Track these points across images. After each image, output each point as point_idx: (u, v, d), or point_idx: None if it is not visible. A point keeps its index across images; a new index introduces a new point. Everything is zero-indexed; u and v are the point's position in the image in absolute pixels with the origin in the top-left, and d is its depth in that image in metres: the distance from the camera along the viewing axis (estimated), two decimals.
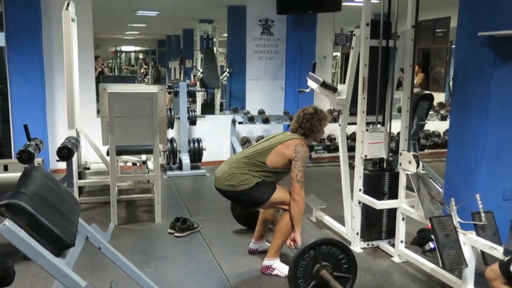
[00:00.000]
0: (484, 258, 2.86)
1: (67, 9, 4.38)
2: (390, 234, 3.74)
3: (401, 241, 3.49)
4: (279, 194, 3.22)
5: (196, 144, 6.29)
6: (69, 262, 1.89)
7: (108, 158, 4.53)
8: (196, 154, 6.29)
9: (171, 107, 6.53)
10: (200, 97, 8.68)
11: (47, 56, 5.77)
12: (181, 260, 3.55)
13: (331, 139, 6.96)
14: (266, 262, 3.30)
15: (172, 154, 6.17)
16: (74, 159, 4.25)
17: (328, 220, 4.22)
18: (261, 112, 6.81)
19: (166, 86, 6.26)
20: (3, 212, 1.70)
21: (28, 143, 3.69)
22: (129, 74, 14.77)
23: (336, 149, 6.25)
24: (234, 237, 4.00)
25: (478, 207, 2.94)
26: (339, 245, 2.90)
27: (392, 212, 3.59)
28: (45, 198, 1.90)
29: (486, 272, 2.43)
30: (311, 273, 2.83)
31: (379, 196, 3.65)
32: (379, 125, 3.68)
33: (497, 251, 2.61)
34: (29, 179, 1.96)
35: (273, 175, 3.24)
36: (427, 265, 3.24)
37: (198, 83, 8.55)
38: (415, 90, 6.83)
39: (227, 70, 8.98)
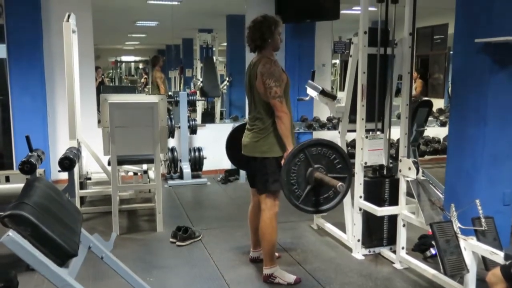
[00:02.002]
0: (485, 264, 2.87)
1: (67, 21, 4.42)
2: (391, 241, 3.74)
3: (402, 248, 3.49)
4: (274, 203, 3.17)
5: (196, 153, 6.31)
6: (72, 272, 1.90)
7: (109, 168, 4.55)
8: (197, 163, 6.31)
9: (172, 116, 6.55)
10: (200, 106, 8.71)
11: (48, 67, 5.81)
12: (183, 269, 3.55)
13: None
14: (266, 271, 3.29)
15: (173, 163, 6.19)
16: (76, 169, 4.27)
17: (329, 227, 4.23)
18: None
19: (166, 96, 6.29)
20: (7, 222, 1.72)
21: (30, 154, 3.71)
22: (129, 84, 14.80)
23: None
24: (235, 246, 4.00)
25: (478, 213, 2.95)
26: (329, 144, 2.79)
27: (393, 218, 3.59)
28: (48, 208, 1.92)
29: (487, 277, 2.42)
30: (305, 177, 2.73)
31: (380, 203, 3.66)
32: (378, 132, 3.71)
33: (498, 256, 2.62)
34: (32, 189, 1.98)
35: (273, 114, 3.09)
36: (429, 271, 3.24)
37: (198, 92, 8.58)
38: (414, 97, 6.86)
39: (227, 79, 9.02)
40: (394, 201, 3.59)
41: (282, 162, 3.03)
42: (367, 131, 3.66)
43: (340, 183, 2.71)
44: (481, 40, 3.44)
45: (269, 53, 3.13)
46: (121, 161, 4.49)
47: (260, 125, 3.13)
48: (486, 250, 2.74)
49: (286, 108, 3.03)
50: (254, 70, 3.12)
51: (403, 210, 3.45)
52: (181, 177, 6.26)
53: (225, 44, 9.67)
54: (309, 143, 2.79)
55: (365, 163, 3.61)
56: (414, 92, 6.91)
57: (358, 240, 3.74)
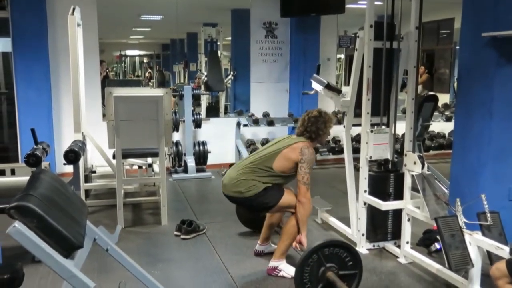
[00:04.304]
0: (490, 259, 2.86)
1: (72, 14, 4.41)
2: (396, 235, 3.74)
3: (407, 242, 3.49)
4: (287, 198, 3.24)
5: (201, 147, 6.31)
6: (77, 264, 1.91)
7: (114, 161, 4.56)
8: (201, 157, 6.32)
9: (176, 110, 6.55)
10: (204, 100, 8.70)
11: (53, 61, 5.82)
12: (188, 262, 3.57)
13: (336, 141, 6.97)
14: (272, 263, 3.31)
15: (178, 157, 6.20)
16: (81, 162, 4.28)
17: (334, 221, 4.23)
18: (266, 115, 6.83)
19: (171, 90, 6.29)
20: (13, 214, 1.72)
21: (35, 146, 3.72)
22: (133, 78, 14.80)
23: (341, 151, 6.25)
24: (239, 239, 4.01)
25: (484, 207, 2.94)
26: (341, 244, 2.92)
27: (398, 213, 3.59)
28: (54, 200, 1.93)
29: (491, 271, 2.42)
30: (317, 276, 2.85)
31: (384, 197, 3.65)
32: (383, 127, 3.69)
33: (503, 251, 2.61)
34: (38, 182, 1.98)
35: (280, 179, 3.26)
36: (433, 265, 3.24)
37: (202, 86, 8.57)
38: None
39: (232, 73, 9.00)
40: (399, 196, 3.58)
41: (294, 244, 3.24)
42: (372, 125, 3.65)
43: None
44: (488, 34, 3.41)
45: (314, 143, 3.38)
46: (126, 155, 4.50)
47: (248, 171, 3.24)
48: (491, 245, 2.73)
49: (310, 196, 3.20)
50: (292, 141, 3.30)
51: (408, 204, 3.44)
52: (185, 171, 6.27)
53: (230, 38, 9.64)
54: (323, 245, 2.89)
55: (370, 157, 3.60)
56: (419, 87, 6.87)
57: (363, 235, 3.73)
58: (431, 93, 6.80)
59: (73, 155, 3.95)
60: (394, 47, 3.66)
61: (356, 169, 3.84)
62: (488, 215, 2.91)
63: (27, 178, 2.11)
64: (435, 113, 6.62)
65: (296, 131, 3.44)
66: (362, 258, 2.97)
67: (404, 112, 3.97)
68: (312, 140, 3.33)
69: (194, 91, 6.62)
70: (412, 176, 3.38)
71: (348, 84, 3.94)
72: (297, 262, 2.88)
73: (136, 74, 16.42)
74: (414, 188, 3.42)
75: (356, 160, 3.85)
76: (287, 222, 3.30)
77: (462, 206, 2.96)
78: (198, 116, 6.46)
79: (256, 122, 6.62)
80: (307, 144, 3.26)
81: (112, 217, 4.39)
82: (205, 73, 9.10)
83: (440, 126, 7.39)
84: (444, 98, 8.75)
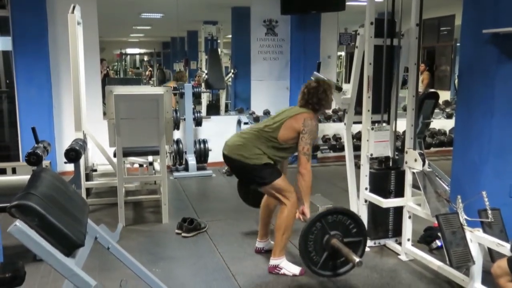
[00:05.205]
0: (491, 256, 2.86)
1: (72, 12, 4.41)
2: (397, 233, 3.74)
3: (408, 239, 3.49)
4: (283, 182, 3.22)
5: (202, 145, 6.31)
6: (78, 262, 1.91)
7: (115, 159, 4.56)
8: (202, 155, 6.32)
9: (177, 108, 6.55)
10: (205, 98, 8.71)
11: (53, 59, 5.81)
12: (189, 260, 3.57)
13: (337, 138, 6.97)
14: (273, 261, 3.31)
15: (178, 155, 6.20)
16: (82, 161, 4.28)
17: None
18: (266, 113, 6.82)
19: (172, 88, 6.28)
20: (14, 213, 1.72)
21: (36, 145, 3.72)
22: (134, 77, 14.81)
23: (341, 148, 6.25)
24: (240, 237, 4.01)
25: (485, 205, 2.93)
26: (344, 212, 2.90)
27: (399, 210, 3.59)
28: (55, 199, 1.93)
29: (492, 268, 2.41)
30: (322, 244, 2.83)
31: (385, 195, 3.65)
32: (384, 124, 3.69)
33: (504, 248, 2.61)
34: (39, 180, 1.98)
35: (282, 152, 3.26)
36: (434, 262, 3.24)
37: (203, 84, 8.58)
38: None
39: (232, 71, 9.00)
40: (400, 193, 3.58)
41: (297, 215, 3.19)
42: (373, 122, 3.65)
43: (358, 260, 2.77)
44: (489, 31, 3.41)
45: (318, 114, 3.40)
46: (127, 153, 4.50)
47: (253, 138, 3.25)
48: (493, 242, 2.73)
49: (310, 167, 3.16)
50: (295, 111, 3.31)
51: (409, 202, 3.44)
52: (186, 169, 6.27)
53: (230, 36, 9.64)
54: (326, 213, 2.88)
55: (371, 154, 3.60)
56: (420, 85, 6.86)
57: None
58: (432, 90, 6.79)
59: (74, 154, 3.95)
60: (395, 44, 3.65)
61: (357, 166, 3.84)
62: (489, 212, 2.91)
63: (28, 177, 2.10)
64: (436, 110, 6.61)
65: (298, 104, 3.42)
66: (363, 256, 2.97)
67: (404, 109, 3.97)
68: (315, 111, 3.33)
69: (195, 89, 6.61)
70: (413, 173, 3.38)
71: (349, 82, 3.93)
72: (301, 231, 2.84)
73: (136, 67, 16.41)
74: (415, 186, 3.42)
75: (357, 157, 3.84)
76: (278, 217, 3.27)
77: (463, 203, 2.96)
78: (198, 114, 6.45)
79: (256, 120, 6.61)
80: (311, 116, 3.25)
81: (113, 215, 4.39)
82: (206, 71, 9.10)
83: (441, 123, 7.38)
84: (445, 95, 8.74)
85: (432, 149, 7.13)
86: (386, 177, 3.70)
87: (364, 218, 3.71)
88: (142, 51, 16.87)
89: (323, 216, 2.84)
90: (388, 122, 3.73)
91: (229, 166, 3.41)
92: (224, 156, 3.35)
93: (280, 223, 3.24)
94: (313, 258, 2.85)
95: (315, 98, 3.30)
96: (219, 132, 6.71)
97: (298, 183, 3.18)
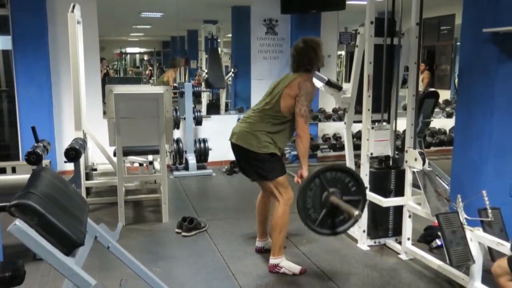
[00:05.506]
0: (492, 255, 2.86)
1: (72, 11, 4.41)
2: (397, 232, 3.74)
3: (408, 239, 3.49)
4: (284, 181, 3.22)
5: (202, 144, 6.31)
6: (78, 261, 1.91)
7: (115, 159, 4.56)
8: (202, 154, 6.31)
9: (177, 107, 6.55)
10: (205, 97, 8.70)
11: (53, 58, 5.81)
12: (189, 259, 3.57)
13: (337, 137, 6.96)
14: (272, 261, 3.31)
15: (179, 155, 6.20)
16: (82, 160, 4.28)
17: None
18: None
19: (172, 87, 6.28)
20: (14, 212, 1.72)
21: (36, 144, 3.72)
22: (134, 76, 14.81)
23: (342, 147, 6.24)
24: (241, 236, 4.01)
25: (485, 204, 2.93)
26: (343, 169, 2.86)
27: (399, 209, 3.59)
28: (54, 198, 1.92)
29: (493, 268, 2.41)
30: (321, 201, 2.79)
31: (386, 194, 3.65)
32: (384, 123, 3.69)
33: (505, 247, 2.61)
34: (38, 179, 1.98)
35: (288, 125, 3.24)
36: (434, 262, 3.24)
37: (203, 84, 8.57)
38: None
39: (232, 70, 8.99)
40: (400, 192, 3.58)
41: (296, 180, 3.15)
42: (373, 121, 3.65)
43: (357, 212, 2.74)
44: (489, 30, 3.40)
45: (313, 73, 3.35)
46: (127, 152, 4.49)
47: (258, 120, 3.22)
48: (493, 241, 2.73)
49: (308, 129, 3.14)
50: (289, 80, 3.24)
51: (409, 201, 3.44)
52: (186, 168, 6.27)
53: (230, 35, 9.63)
54: (325, 169, 2.84)
55: (371, 154, 3.60)
56: (420, 84, 6.86)
57: (364, 231, 3.73)
58: (432, 89, 6.80)
59: (74, 153, 3.95)
60: (395, 43, 3.65)
61: (357, 165, 3.84)
62: (489, 211, 2.91)
63: (28, 176, 2.10)
64: (436, 110, 6.60)
65: (291, 69, 3.38)
66: (363, 255, 2.97)
67: (405, 108, 3.96)
68: (309, 72, 3.29)
69: (195, 88, 6.61)
70: (413, 172, 3.37)
71: (349, 81, 3.93)
72: (299, 187, 2.80)
73: (136, 66, 16.39)
74: (415, 185, 3.42)
75: (357, 156, 3.84)
76: (274, 215, 3.27)
77: (463, 202, 2.95)
78: (198, 114, 6.45)
79: None
80: (304, 78, 3.21)
81: (113, 214, 4.39)
82: (206, 70, 9.10)
83: (441, 122, 7.38)
84: (445, 95, 8.74)
85: (432, 148, 7.12)
86: (386, 176, 3.70)
87: (364, 217, 3.71)
88: (142, 50, 16.86)
89: (322, 172, 2.77)
90: (388, 121, 3.73)
91: (236, 154, 3.38)
92: (232, 144, 3.33)
93: (275, 222, 3.24)
94: (311, 215, 2.79)
95: (306, 59, 3.25)
96: (219, 131, 6.71)
97: (296, 145, 3.18)
